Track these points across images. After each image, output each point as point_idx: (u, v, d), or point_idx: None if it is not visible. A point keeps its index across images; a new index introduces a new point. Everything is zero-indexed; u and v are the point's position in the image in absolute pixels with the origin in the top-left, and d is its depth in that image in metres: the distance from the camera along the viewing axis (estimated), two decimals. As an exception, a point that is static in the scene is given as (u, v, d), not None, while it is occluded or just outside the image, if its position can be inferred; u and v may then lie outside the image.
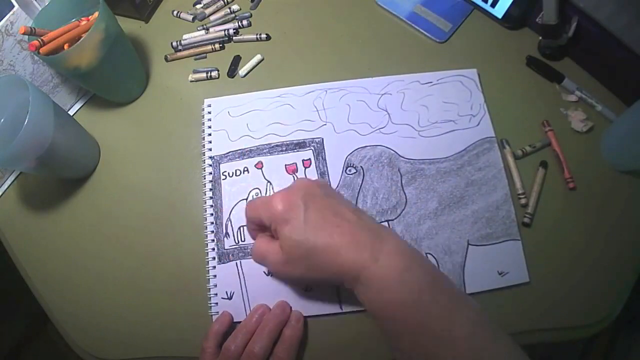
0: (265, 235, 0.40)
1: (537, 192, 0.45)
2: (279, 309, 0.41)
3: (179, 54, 0.57)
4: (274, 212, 0.35)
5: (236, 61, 0.56)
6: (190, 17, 0.60)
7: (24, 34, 0.45)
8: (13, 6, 0.46)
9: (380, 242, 0.34)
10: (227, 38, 0.57)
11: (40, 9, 0.48)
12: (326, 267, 0.34)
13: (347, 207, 0.36)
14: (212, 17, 0.60)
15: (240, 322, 0.43)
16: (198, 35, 0.58)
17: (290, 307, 0.42)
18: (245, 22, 0.58)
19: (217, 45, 0.57)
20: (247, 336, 0.40)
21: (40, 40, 0.44)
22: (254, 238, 0.43)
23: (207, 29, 0.59)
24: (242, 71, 0.55)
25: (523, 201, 0.45)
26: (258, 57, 0.55)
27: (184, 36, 0.58)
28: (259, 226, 0.40)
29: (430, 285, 0.33)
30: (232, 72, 0.55)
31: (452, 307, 0.33)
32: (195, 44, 0.58)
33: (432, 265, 0.36)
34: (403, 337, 0.33)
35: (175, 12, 0.61)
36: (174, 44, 0.58)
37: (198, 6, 0.61)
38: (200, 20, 0.60)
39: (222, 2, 0.60)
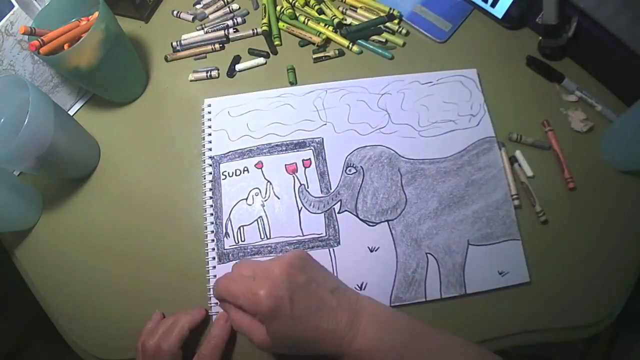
0: (239, 309, 0.38)
1: (532, 188, 0.45)
2: (194, 311, 0.43)
3: (178, 54, 0.57)
4: (260, 308, 0.34)
5: (236, 61, 0.56)
6: (190, 17, 0.60)
7: (24, 34, 0.45)
8: (13, 6, 0.46)
9: (358, 319, 0.36)
10: (225, 39, 0.57)
11: (40, 9, 0.48)
12: (312, 351, 0.36)
13: (327, 290, 0.37)
14: (211, 17, 0.60)
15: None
16: (197, 35, 0.58)
17: (206, 310, 0.43)
18: (240, 20, 0.58)
19: (217, 46, 0.57)
20: (163, 334, 0.41)
21: (40, 40, 0.44)
22: (223, 308, 0.40)
23: (206, 29, 0.58)
24: (238, 67, 0.55)
25: (516, 202, 0.45)
26: (260, 60, 0.55)
27: (183, 36, 0.58)
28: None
29: (411, 342, 0.35)
30: (231, 72, 0.55)
31: (440, 356, 0.35)
32: (195, 44, 0.58)
33: (411, 324, 0.37)
34: None
35: (175, 12, 0.61)
36: (174, 44, 0.58)
37: (198, 6, 0.61)
38: (200, 20, 0.60)
39: (222, 2, 0.60)
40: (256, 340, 0.36)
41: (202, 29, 0.59)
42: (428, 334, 0.37)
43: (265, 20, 0.57)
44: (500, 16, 0.54)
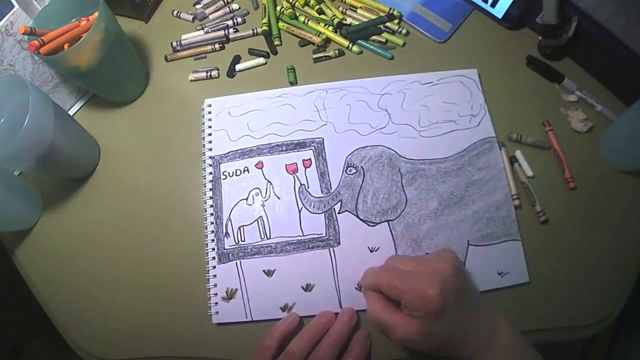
0: (381, 298, 0.38)
1: (531, 187, 0.45)
2: (346, 317, 0.41)
3: (178, 54, 0.57)
4: (429, 306, 0.34)
5: (236, 61, 0.56)
6: (190, 17, 0.60)
7: (24, 34, 0.45)
8: (13, 6, 0.46)
9: (497, 336, 0.36)
10: (225, 39, 0.57)
11: (40, 9, 0.48)
12: (449, 353, 0.36)
13: (476, 296, 0.39)
14: (211, 17, 0.60)
15: (236, 322, 0.43)
16: (197, 35, 0.58)
17: (358, 317, 0.42)
18: (240, 20, 0.58)
19: (217, 46, 0.57)
20: (312, 342, 0.39)
21: (40, 40, 0.44)
22: (365, 290, 0.41)
23: (206, 29, 0.58)
24: (238, 67, 0.55)
25: (516, 203, 0.45)
26: (260, 60, 0.55)
27: (183, 36, 0.58)
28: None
29: None
30: (231, 72, 0.55)
31: None
32: (195, 44, 0.58)
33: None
34: None
35: (175, 12, 0.61)
36: (174, 44, 0.58)
37: (198, 6, 0.61)
38: (200, 20, 0.60)
39: (222, 1, 0.60)
40: (399, 333, 0.36)
41: (202, 29, 0.59)
42: None
43: (265, 20, 0.57)
44: (500, 16, 0.54)
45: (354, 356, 0.39)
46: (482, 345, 0.36)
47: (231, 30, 0.58)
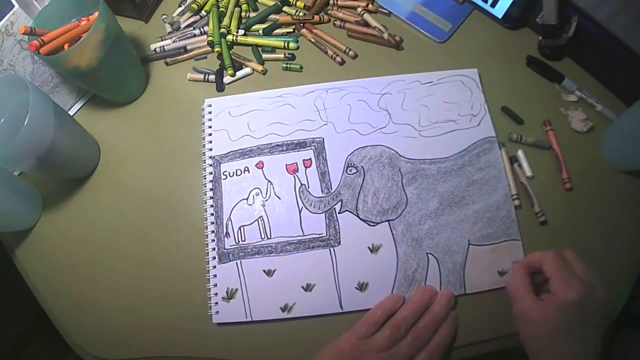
0: (529, 274, 0.39)
1: (530, 188, 0.45)
2: (444, 300, 0.42)
3: (178, 57, 0.57)
4: (569, 295, 0.36)
5: (221, 73, 0.55)
6: (168, 26, 0.60)
7: (24, 34, 0.45)
8: (13, 6, 0.46)
9: None
10: (184, 50, 0.57)
11: (40, 9, 0.48)
12: (536, 355, 0.37)
13: (589, 349, 0.38)
14: (182, 25, 0.59)
15: (236, 322, 0.43)
16: (165, 44, 0.58)
17: (455, 300, 0.43)
18: (206, 29, 0.58)
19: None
20: (414, 317, 0.40)
21: (40, 40, 0.44)
22: (523, 264, 0.40)
23: (173, 38, 0.58)
24: (226, 80, 0.55)
25: (517, 202, 0.45)
26: (248, 70, 0.55)
27: (151, 46, 0.58)
28: (530, 273, 0.39)
29: None
30: (220, 86, 0.55)
31: None
32: (171, 51, 0.57)
33: None
34: None
35: (164, 18, 0.60)
36: (158, 49, 0.58)
37: (174, 14, 0.60)
38: (176, 30, 0.59)
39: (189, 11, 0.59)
40: (523, 305, 0.37)
41: (177, 37, 0.58)
42: None
43: (217, 49, 0.56)
44: (500, 16, 0.54)
45: (443, 335, 0.40)
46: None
47: (194, 39, 0.57)
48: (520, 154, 0.48)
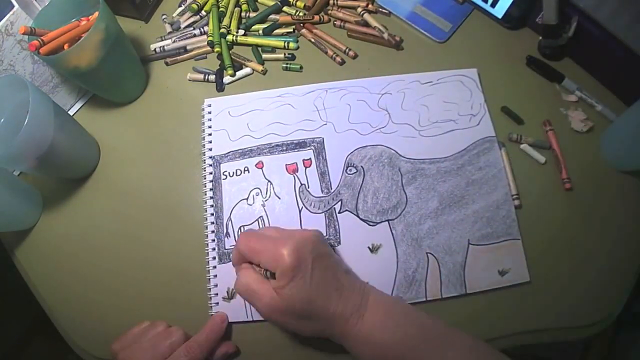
0: (252, 268, 0.39)
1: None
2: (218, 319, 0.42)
3: (178, 57, 0.57)
4: (281, 264, 0.35)
5: (221, 73, 0.55)
6: (168, 27, 0.60)
7: (24, 34, 0.45)
8: (13, 6, 0.46)
9: (365, 302, 0.37)
10: (184, 50, 0.57)
11: (40, 9, 0.48)
12: (319, 324, 0.36)
13: (342, 269, 0.39)
14: (182, 25, 0.59)
15: (236, 322, 0.43)
16: (165, 44, 0.58)
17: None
18: (206, 29, 0.58)
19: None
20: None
21: (40, 40, 0.44)
22: (235, 264, 0.41)
23: (173, 38, 0.58)
24: (226, 80, 0.55)
25: (517, 202, 0.45)
26: (248, 70, 0.55)
27: (151, 46, 0.58)
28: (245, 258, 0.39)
29: (414, 326, 0.36)
30: (220, 86, 0.55)
31: (440, 343, 0.35)
32: (171, 51, 0.57)
33: (414, 312, 0.38)
34: None
35: (164, 18, 0.60)
36: (158, 49, 0.58)
37: (174, 14, 0.60)
38: (176, 30, 0.59)
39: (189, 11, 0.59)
40: (262, 302, 0.36)
41: (177, 37, 0.58)
42: (429, 320, 0.37)
43: (217, 49, 0.56)
44: (500, 16, 0.54)
45: (205, 330, 0.40)
46: (351, 316, 0.35)
47: (194, 39, 0.57)
48: (526, 147, 0.48)
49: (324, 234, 0.45)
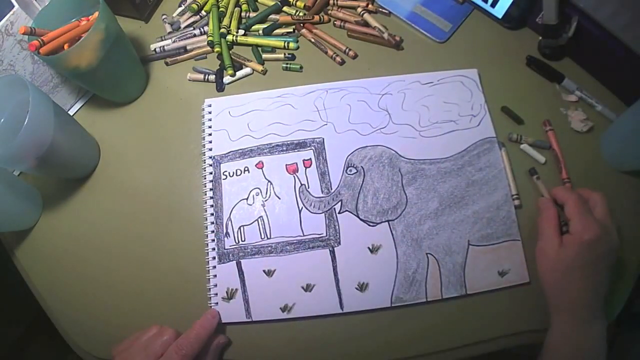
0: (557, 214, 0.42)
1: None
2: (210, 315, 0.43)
3: (178, 57, 0.57)
4: (587, 233, 0.38)
5: (221, 73, 0.55)
6: (168, 27, 0.59)
7: (24, 34, 0.45)
8: (13, 6, 0.46)
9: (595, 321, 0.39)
10: (184, 50, 0.57)
11: (40, 9, 0.48)
12: (557, 296, 0.39)
13: (602, 284, 0.40)
14: (182, 25, 0.59)
15: (236, 322, 0.43)
16: (165, 44, 0.58)
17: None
18: (206, 29, 0.58)
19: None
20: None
21: (40, 40, 0.44)
22: (542, 204, 0.43)
23: (173, 38, 0.58)
24: (226, 80, 0.55)
25: (517, 203, 0.45)
26: (247, 70, 0.55)
27: (151, 46, 0.58)
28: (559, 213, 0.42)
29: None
30: (220, 86, 0.55)
31: None
32: (171, 51, 0.57)
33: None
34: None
35: (164, 18, 0.60)
36: (158, 49, 0.57)
37: (174, 14, 0.60)
38: (176, 30, 0.59)
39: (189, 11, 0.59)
40: (546, 240, 0.40)
41: (177, 37, 0.58)
42: None
43: (217, 49, 0.56)
44: (500, 16, 0.54)
45: (195, 327, 0.40)
46: (577, 310, 0.38)
47: (194, 39, 0.57)
48: (526, 147, 0.48)
49: (324, 235, 0.45)
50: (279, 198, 0.47)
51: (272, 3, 0.58)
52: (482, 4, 0.55)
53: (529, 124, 0.49)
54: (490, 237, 0.44)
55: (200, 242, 0.47)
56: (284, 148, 0.49)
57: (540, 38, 0.52)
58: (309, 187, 0.47)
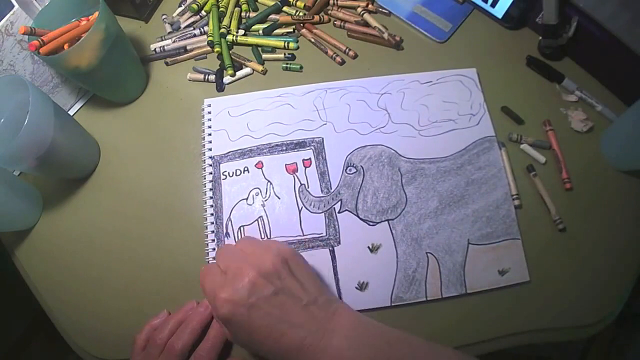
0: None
1: (542, 193, 0.45)
2: (203, 307, 0.41)
3: (178, 57, 0.57)
4: (217, 312, 0.35)
5: (221, 73, 0.55)
6: (168, 27, 0.59)
7: (24, 34, 0.45)
8: (13, 6, 0.46)
9: (329, 336, 0.34)
10: (184, 50, 0.57)
11: (40, 9, 0.48)
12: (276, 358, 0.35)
13: (298, 304, 0.35)
14: (182, 25, 0.59)
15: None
16: (165, 44, 0.58)
17: None
18: (206, 29, 0.58)
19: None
20: (174, 330, 0.40)
21: (40, 40, 0.44)
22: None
23: (173, 38, 0.58)
24: (226, 80, 0.55)
25: (517, 202, 0.45)
26: (248, 70, 0.55)
27: (151, 46, 0.58)
28: None
29: (384, 351, 0.34)
30: (220, 86, 0.55)
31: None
32: (171, 51, 0.57)
33: (386, 335, 0.36)
34: None
35: (164, 18, 0.61)
36: (158, 49, 0.57)
37: (174, 14, 0.60)
38: (176, 30, 0.59)
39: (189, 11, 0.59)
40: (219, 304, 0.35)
41: (171, 37, 0.58)
42: (405, 342, 0.35)
43: (217, 49, 0.56)
44: (500, 16, 0.54)
45: (208, 338, 0.40)
46: (310, 349, 0.34)
47: (194, 39, 0.57)
48: (526, 147, 0.48)
49: (324, 234, 0.45)
50: (279, 198, 0.47)
51: (272, 3, 0.58)
52: (482, 4, 0.55)
53: (529, 124, 0.49)
54: (490, 236, 0.44)
55: (200, 242, 0.47)
56: (284, 148, 0.49)
57: (540, 38, 0.52)
58: (308, 187, 0.47)
